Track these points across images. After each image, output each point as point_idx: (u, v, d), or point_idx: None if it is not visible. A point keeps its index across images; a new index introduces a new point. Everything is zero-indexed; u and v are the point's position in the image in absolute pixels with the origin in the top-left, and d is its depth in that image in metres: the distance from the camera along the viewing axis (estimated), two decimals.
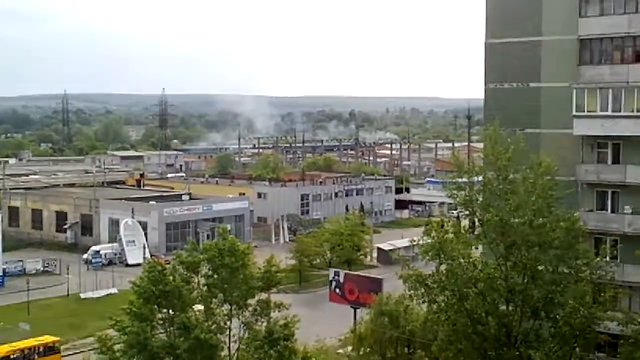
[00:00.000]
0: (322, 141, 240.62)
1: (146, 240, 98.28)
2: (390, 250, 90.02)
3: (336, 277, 64.97)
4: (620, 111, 42.58)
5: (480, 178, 38.82)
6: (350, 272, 71.11)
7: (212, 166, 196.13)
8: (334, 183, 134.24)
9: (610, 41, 43.20)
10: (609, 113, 42.76)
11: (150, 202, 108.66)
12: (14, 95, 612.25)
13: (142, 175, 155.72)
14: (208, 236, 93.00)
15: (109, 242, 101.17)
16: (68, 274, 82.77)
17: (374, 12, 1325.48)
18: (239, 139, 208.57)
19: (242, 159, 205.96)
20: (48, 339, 58.46)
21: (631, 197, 43.13)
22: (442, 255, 36.96)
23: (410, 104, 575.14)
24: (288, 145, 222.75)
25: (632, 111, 42.32)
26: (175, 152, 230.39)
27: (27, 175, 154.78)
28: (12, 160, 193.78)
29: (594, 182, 44.02)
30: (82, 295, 77.89)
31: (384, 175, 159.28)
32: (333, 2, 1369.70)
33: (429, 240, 37.60)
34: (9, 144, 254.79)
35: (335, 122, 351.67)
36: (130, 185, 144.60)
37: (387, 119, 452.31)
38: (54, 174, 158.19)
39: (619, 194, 43.76)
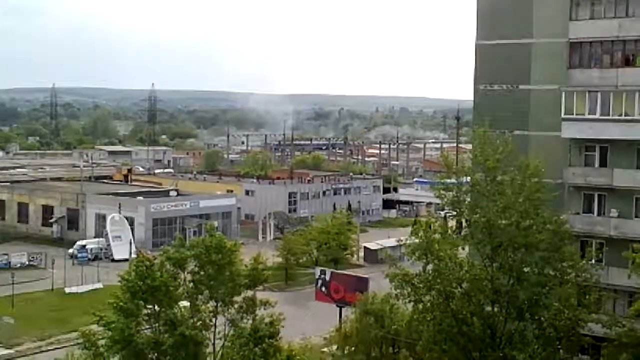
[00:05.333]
0: (311, 139, 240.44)
1: (133, 235, 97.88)
2: (377, 249, 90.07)
3: (322, 276, 64.90)
4: (608, 115, 42.81)
5: (469, 179, 38.92)
6: (336, 271, 71.03)
7: (200, 163, 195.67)
8: (322, 181, 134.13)
9: (600, 45, 43.40)
10: (597, 116, 42.99)
11: (138, 198, 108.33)
12: (1, 87, 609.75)
13: (129, 171, 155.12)
14: (195, 233, 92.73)
15: (95, 237, 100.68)
16: (53, 268, 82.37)
17: (365, 11, 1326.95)
18: (227, 136, 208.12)
19: (230, 156, 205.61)
20: None
21: (617, 200, 43.37)
22: (429, 256, 37.03)
23: (400, 103, 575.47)
24: (277, 143, 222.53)
25: (620, 115, 42.59)
26: (164, 148, 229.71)
27: (14, 168, 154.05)
28: None
29: (581, 185, 44.24)
30: (67, 290, 77.44)
31: (372, 175, 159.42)
32: (323, 1, 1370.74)
33: (416, 240, 37.66)
34: None
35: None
36: (118, 181, 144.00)
37: (376, 118, 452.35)
38: (41, 168, 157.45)
39: (605, 197, 43.98)
